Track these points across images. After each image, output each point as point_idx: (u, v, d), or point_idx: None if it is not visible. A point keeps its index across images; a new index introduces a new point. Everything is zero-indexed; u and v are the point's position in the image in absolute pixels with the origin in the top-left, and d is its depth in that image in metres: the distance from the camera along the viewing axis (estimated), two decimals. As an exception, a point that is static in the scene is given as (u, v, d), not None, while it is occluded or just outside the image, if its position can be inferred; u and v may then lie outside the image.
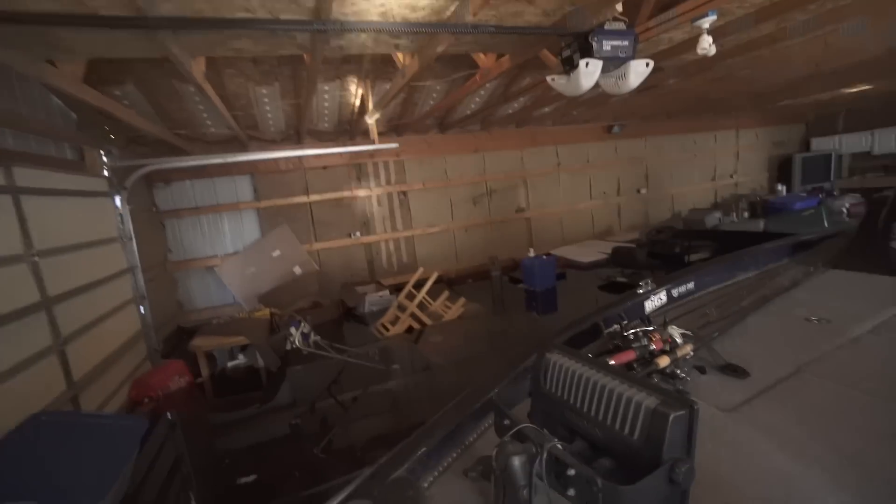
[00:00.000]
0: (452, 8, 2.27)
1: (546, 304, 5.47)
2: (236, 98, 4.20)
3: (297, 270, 5.75)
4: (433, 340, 4.57)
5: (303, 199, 6.04)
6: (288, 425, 3.21)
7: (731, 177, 9.55)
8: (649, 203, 8.63)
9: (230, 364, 4.18)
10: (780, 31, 3.45)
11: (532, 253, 5.93)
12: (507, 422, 1.01)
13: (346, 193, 6.25)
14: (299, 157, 5.79)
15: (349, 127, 5.70)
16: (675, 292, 2.15)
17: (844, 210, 7.00)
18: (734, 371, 1.49)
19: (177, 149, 4.82)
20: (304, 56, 2.79)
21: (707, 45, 2.53)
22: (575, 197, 7.85)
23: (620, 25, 2.32)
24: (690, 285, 2.23)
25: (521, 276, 6.03)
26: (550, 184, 7.61)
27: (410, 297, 4.99)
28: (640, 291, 2.00)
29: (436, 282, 5.10)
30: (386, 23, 2.30)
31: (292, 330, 3.31)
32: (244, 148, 5.48)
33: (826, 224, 6.23)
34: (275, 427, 3.25)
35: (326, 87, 4.45)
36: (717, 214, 7.74)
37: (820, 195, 7.94)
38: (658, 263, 5.98)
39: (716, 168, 9.35)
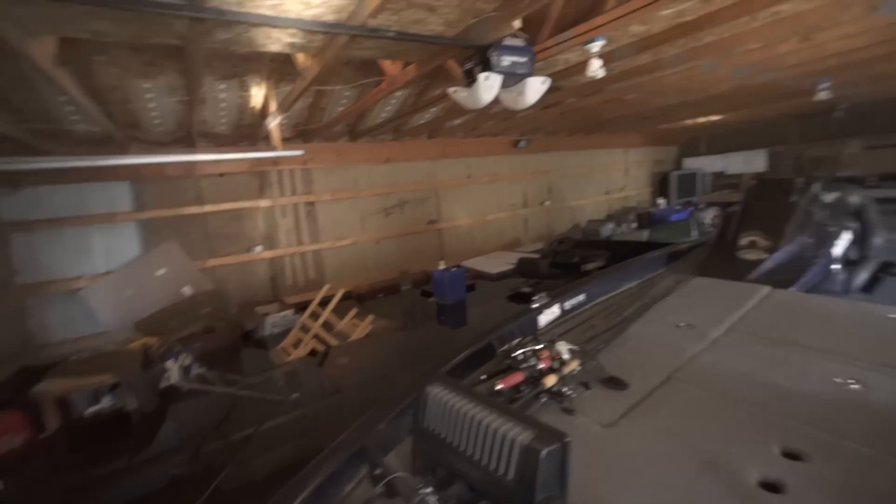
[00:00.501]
0: (351, 9, 2.17)
1: (457, 317, 5.51)
2: (111, 91, 3.66)
3: (187, 291, 5.15)
4: (339, 362, 4.34)
5: (195, 209, 5.43)
6: (168, 476, 2.79)
7: (622, 190, 10.56)
8: (552, 214, 9.19)
9: (90, 410, 3.51)
10: (655, 62, 3.86)
11: (443, 265, 5.96)
12: (377, 471, 0.92)
13: (246, 204, 5.76)
14: (192, 163, 5.21)
15: (250, 131, 5.28)
16: (567, 305, 2.24)
17: (708, 220, 8.10)
18: (615, 384, 1.56)
19: (29, 147, 4.07)
20: (188, 48, 2.48)
21: (596, 68, 2.73)
22: (485, 208, 8.09)
23: (519, 42, 2.40)
24: (581, 297, 2.35)
25: (432, 289, 6.02)
26: (461, 195, 7.76)
27: (315, 315, 4.72)
28: (534, 306, 2.05)
29: (345, 298, 4.88)
30: (275, 17, 2.11)
31: (169, 364, 2.89)
32: (122, 150, 4.79)
33: (695, 232, 7.12)
34: (152, 479, 2.80)
35: (222, 86, 4.08)
36: (611, 225, 8.50)
37: (690, 208, 9.12)
38: (559, 272, 6.36)
39: (608, 182, 10.27)
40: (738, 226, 2.79)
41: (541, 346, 1.53)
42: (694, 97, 5.89)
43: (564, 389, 1.45)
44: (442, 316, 5.66)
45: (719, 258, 2.78)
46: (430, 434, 0.99)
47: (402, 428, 1.31)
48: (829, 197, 3.07)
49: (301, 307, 5.31)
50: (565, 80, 4.01)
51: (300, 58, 2.99)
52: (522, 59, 2.36)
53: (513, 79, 2.41)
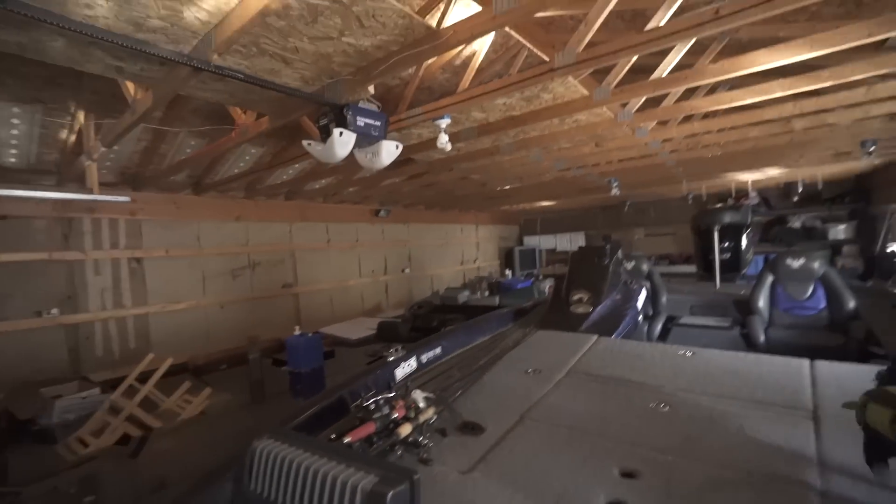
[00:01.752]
0: (194, 42, 2.06)
1: (313, 386, 5.04)
2: None
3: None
4: (161, 448, 3.51)
5: (-45, 258, 4.13)
6: None
7: (475, 262, 11.51)
8: (413, 281, 9.45)
9: None
10: (494, 147, 4.50)
11: (298, 331, 5.51)
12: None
13: (40, 255, 4.60)
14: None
15: (56, 168, 4.39)
16: (423, 358, 2.24)
17: (546, 290, 9.30)
18: (472, 429, 1.56)
19: None
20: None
21: (444, 140, 3.06)
22: (345, 274, 7.93)
23: (373, 107, 2.56)
24: (438, 350, 2.38)
25: (285, 357, 5.46)
26: (320, 260, 7.51)
27: (132, 393, 3.82)
28: (390, 359, 2.01)
29: (178, 371, 4.09)
30: (87, 25, 1.85)
31: None
32: None
33: (535, 296, 8.06)
34: None
35: (16, 110, 3.39)
36: (466, 292, 9.08)
37: (532, 278, 10.38)
38: (419, 336, 6.41)
39: (463, 254, 11.14)
40: (568, 285, 3.25)
41: (393, 394, 1.47)
42: (527, 182, 6.97)
43: (420, 438, 1.39)
44: (297, 385, 5.11)
45: (556, 313, 3.17)
46: (256, 500, 0.83)
47: (219, 501, 1.07)
48: (629, 264, 3.87)
49: (113, 386, 4.24)
50: (419, 153, 4.38)
51: (130, 87, 2.69)
52: (376, 123, 2.53)
53: (367, 139, 2.54)
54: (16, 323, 4.46)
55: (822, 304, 3.60)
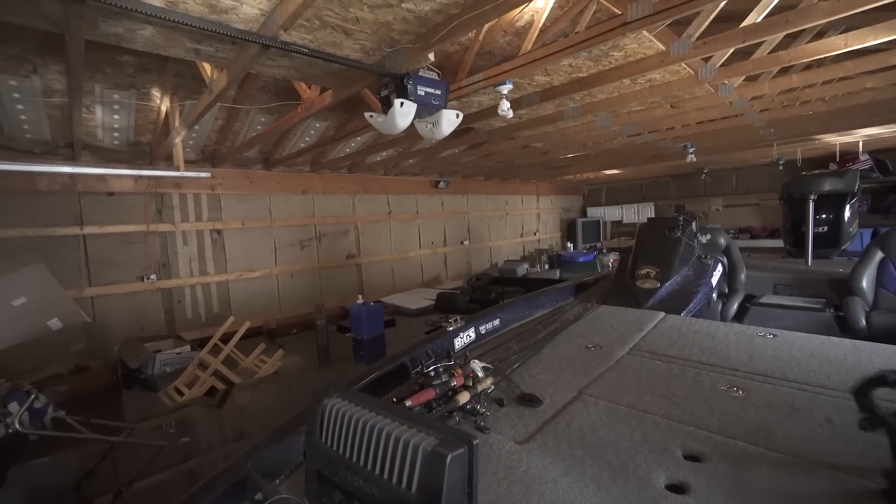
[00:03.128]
0: (262, 20, 2.12)
1: (374, 353, 5.30)
2: None
3: (55, 324, 4.37)
4: (240, 402, 3.90)
5: (73, 230, 4.74)
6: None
7: (535, 234, 11.26)
8: (471, 253, 9.46)
9: None
10: (558, 112, 4.27)
11: (361, 300, 5.77)
12: (258, 496, 0.79)
13: (140, 227, 5.16)
14: (71, 177, 4.57)
15: (149, 149, 4.84)
16: (482, 329, 2.25)
17: (610, 263, 8.90)
18: (529, 401, 1.55)
19: None
20: (69, 41, 2.22)
21: (505, 108, 2.95)
22: (405, 245, 8.10)
23: (433, 76, 2.51)
24: (496, 322, 2.37)
25: (349, 324, 5.76)
26: (381, 231, 7.72)
27: (216, 351, 4.24)
28: (449, 329, 2.03)
29: (254, 334, 4.48)
30: (171, 12, 1.97)
31: (12, 407, 2.36)
32: None
33: (599, 270, 7.76)
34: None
35: (117, 96, 3.75)
36: (526, 265, 8.95)
37: (595, 252, 9.97)
38: (477, 307, 6.47)
39: (523, 226, 10.91)
40: (634, 259, 3.08)
41: (453, 363, 1.49)
42: (592, 150, 6.59)
43: (478, 407, 1.40)
44: (359, 352, 5.40)
45: (620, 288, 3.02)
46: (326, 452, 0.88)
47: (294, 450, 1.16)
48: (704, 237, 3.56)
49: (200, 344, 4.75)
50: (479, 122, 4.27)
51: (207, 68, 2.84)
52: (436, 91, 2.48)
53: (427, 109, 2.50)
54: (124, 286, 5.08)
55: None
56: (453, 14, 2.22)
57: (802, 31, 2.92)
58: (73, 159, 4.45)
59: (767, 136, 6.09)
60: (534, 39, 2.82)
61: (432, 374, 1.42)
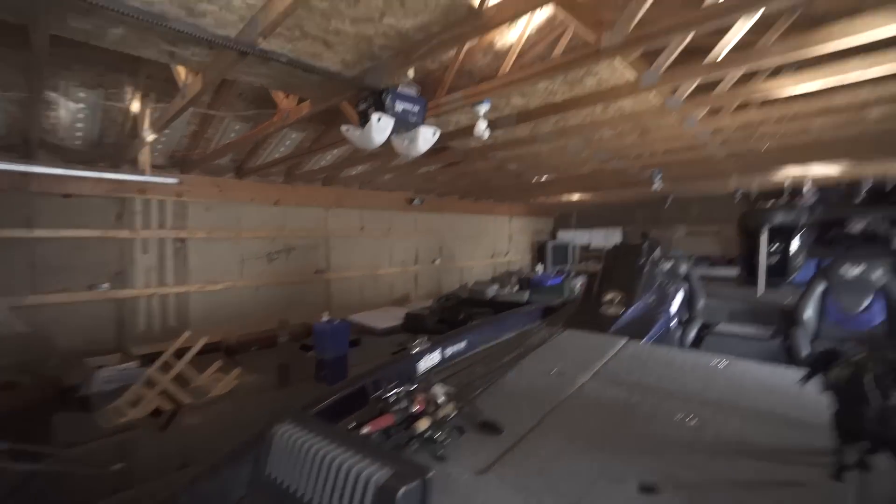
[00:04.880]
0: (241, 26, 2.07)
1: (336, 374, 5.12)
2: None
3: (-14, 334, 4.03)
4: (189, 423, 3.67)
5: (20, 232, 4.42)
6: None
7: (506, 255, 11.37)
8: (442, 273, 9.44)
9: None
10: (532, 135, 4.38)
11: (326, 317, 5.62)
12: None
13: (95, 232, 4.87)
14: (23, 175, 4.28)
15: (114, 151, 4.62)
16: (448, 352, 2.21)
17: (577, 287, 9.06)
18: (490, 428, 1.52)
19: None
20: (32, 34, 2.10)
21: (482, 129, 2.99)
22: (376, 262, 8.01)
23: (412, 91, 2.52)
24: (463, 344, 2.35)
25: (312, 342, 5.59)
26: (353, 246, 7.61)
27: (167, 368, 4.00)
28: (414, 351, 1.98)
29: (212, 350, 4.25)
30: (145, 10, 1.90)
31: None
32: None
33: (566, 294, 7.87)
34: None
35: (82, 94, 3.59)
36: (495, 287, 8.99)
37: (563, 275, 10.14)
38: (445, 328, 6.42)
39: (495, 246, 11.02)
40: (600, 284, 3.14)
41: (415, 387, 1.45)
42: (564, 174, 6.77)
43: (438, 435, 1.36)
44: (321, 371, 5.22)
45: (585, 313, 3.07)
46: (272, 485, 0.82)
47: (236, 482, 1.07)
48: (667, 264, 3.68)
49: (151, 360, 4.46)
50: (456, 140, 4.31)
51: (181, 72, 2.76)
52: (415, 108, 2.49)
53: (405, 125, 2.51)
54: (72, 295, 4.75)
55: (879, 319, 3.30)
56: (434, 32, 2.25)
57: (759, 70, 3.11)
58: (28, 157, 4.19)
59: (727, 167, 6.43)
60: (512, 62, 2.89)
61: (393, 398, 1.37)
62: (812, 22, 2.59)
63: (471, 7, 2.04)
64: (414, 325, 6.50)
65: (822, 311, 3.47)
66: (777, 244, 4.96)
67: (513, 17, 2.07)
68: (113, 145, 4.56)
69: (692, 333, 3.70)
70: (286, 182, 6.45)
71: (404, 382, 1.67)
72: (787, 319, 3.59)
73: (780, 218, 4.83)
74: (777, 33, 2.68)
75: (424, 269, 9.00)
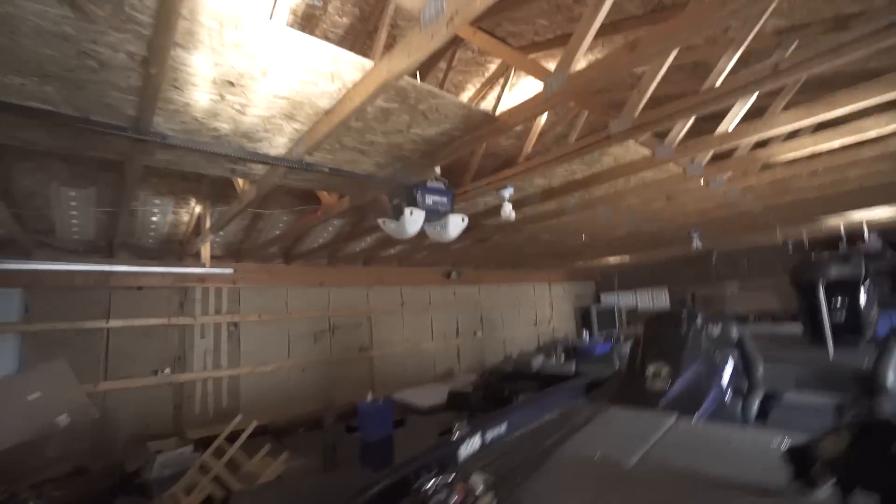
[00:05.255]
0: (290, 146, 2.43)
1: (381, 457, 5.02)
2: (30, 197, 3.58)
3: (63, 420, 4.34)
4: (239, 510, 3.69)
5: (99, 323, 4.93)
6: None
7: (549, 322, 11.11)
8: (485, 344, 9.32)
9: None
10: (560, 209, 4.52)
11: (370, 397, 5.64)
12: None
13: (161, 321, 5.33)
14: (106, 273, 4.86)
15: (179, 247, 5.20)
16: (489, 436, 2.20)
17: (627, 352, 8.62)
18: None
19: None
20: (126, 165, 2.56)
21: (507, 211, 3.17)
22: (418, 337, 8.07)
23: (440, 185, 2.76)
24: (503, 427, 2.32)
25: (357, 423, 5.57)
26: (395, 323, 7.76)
27: (220, 452, 4.11)
28: (454, 438, 2.00)
29: (260, 432, 4.35)
30: (216, 145, 2.29)
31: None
32: (26, 254, 4.42)
33: (618, 363, 7.48)
34: None
35: (157, 201, 4.13)
36: (541, 357, 8.70)
37: (612, 340, 9.71)
38: (489, 405, 6.20)
39: (536, 314, 10.84)
40: (642, 356, 3.04)
41: (452, 476, 1.47)
42: (600, 239, 6.79)
43: (478, 527, 1.36)
44: (366, 455, 5.14)
45: (630, 387, 2.95)
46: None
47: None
48: (714, 329, 3.50)
49: (205, 443, 4.61)
50: (487, 219, 4.52)
51: (240, 182, 3.17)
52: (443, 199, 2.72)
53: (435, 215, 2.73)
54: (138, 380, 5.12)
55: None
56: (456, 136, 2.52)
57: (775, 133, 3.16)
58: (110, 256, 4.80)
59: (769, 220, 6.23)
60: (533, 143, 3.12)
61: (432, 490, 1.39)
62: (821, 83, 2.68)
63: (486, 114, 2.30)
64: (457, 403, 6.32)
65: None
66: (841, 298, 4.61)
67: (524, 121, 2.30)
68: (179, 242, 5.13)
69: (754, 406, 3.41)
70: (329, 264, 6.85)
71: (444, 470, 1.68)
72: (866, 385, 3.26)
73: (835, 270, 4.53)
74: (785, 99, 2.78)
75: (466, 341, 8.93)
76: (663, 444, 2.04)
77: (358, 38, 2.89)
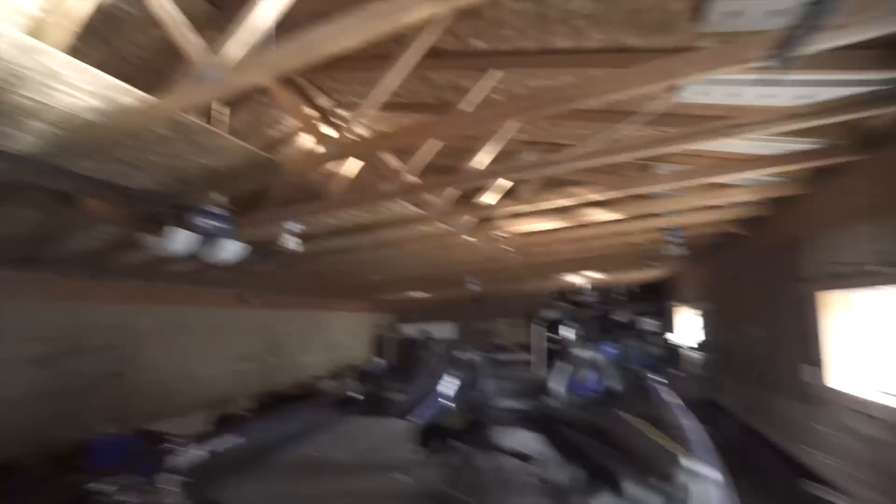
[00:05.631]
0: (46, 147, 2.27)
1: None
2: None
3: None
4: None
5: None
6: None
7: (348, 349, 11.42)
8: (277, 370, 8.99)
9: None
10: (354, 245, 4.99)
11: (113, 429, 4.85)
12: None
13: None
14: None
15: None
16: (219, 447, 2.34)
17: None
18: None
19: None
20: None
21: (290, 243, 3.45)
22: (197, 362, 7.33)
23: (219, 210, 2.90)
24: (240, 439, 2.51)
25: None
26: (171, 347, 6.91)
27: None
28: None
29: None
30: None
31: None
32: None
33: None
34: None
35: None
36: (332, 382, 8.90)
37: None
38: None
39: (334, 342, 11.04)
40: (391, 374, 3.69)
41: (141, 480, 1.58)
42: (399, 276, 7.57)
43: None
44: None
45: (376, 399, 3.52)
46: None
47: None
48: (459, 354, 4.48)
49: None
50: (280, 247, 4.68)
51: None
52: (220, 224, 2.86)
53: (211, 238, 2.83)
54: None
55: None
56: (241, 172, 2.74)
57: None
58: None
59: (522, 273, 8.01)
60: (338, 185, 3.51)
61: (113, 493, 1.47)
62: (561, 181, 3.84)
63: (269, 160, 2.62)
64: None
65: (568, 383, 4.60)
66: (550, 333, 6.40)
67: (304, 172, 2.71)
68: None
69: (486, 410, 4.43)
70: (93, 278, 5.78)
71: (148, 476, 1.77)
72: (542, 390, 4.64)
73: (545, 313, 6.33)
74: (529, 186, 3.88)
75: (254, 367, 8.46)
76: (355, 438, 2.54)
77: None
